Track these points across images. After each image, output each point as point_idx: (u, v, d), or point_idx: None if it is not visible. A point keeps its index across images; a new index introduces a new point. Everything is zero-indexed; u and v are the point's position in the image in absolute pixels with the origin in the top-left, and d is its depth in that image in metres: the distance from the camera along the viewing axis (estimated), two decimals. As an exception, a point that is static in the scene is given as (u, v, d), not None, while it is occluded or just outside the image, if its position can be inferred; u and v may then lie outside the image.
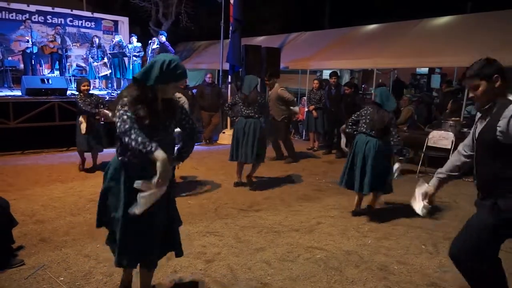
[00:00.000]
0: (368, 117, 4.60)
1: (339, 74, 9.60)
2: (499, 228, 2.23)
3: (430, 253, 3.74)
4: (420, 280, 3.24)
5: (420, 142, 6.91)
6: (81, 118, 6.10)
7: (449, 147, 6.42)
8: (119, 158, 2.46)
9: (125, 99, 2.31)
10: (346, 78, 13.61)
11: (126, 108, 2.27)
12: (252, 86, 5.59)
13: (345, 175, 4.70)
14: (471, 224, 2.41)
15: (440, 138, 6.62)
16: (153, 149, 2.14)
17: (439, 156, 6.61)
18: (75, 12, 12.56)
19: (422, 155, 6.85)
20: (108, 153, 7.78)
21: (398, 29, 10.33)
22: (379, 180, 4.53)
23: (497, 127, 2.18)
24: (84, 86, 6.15)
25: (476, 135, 2.36)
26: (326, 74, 13.16)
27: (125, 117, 2.24)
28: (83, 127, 6.08)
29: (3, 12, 11.28)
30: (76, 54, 12.28)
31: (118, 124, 2.24)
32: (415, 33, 9.68)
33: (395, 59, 9.32)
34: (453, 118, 7.12)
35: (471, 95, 2.41)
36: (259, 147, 5.60)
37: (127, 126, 2.21)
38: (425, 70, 14.53)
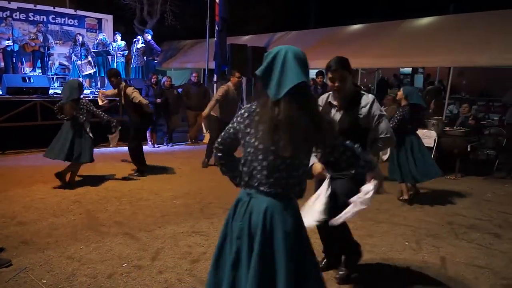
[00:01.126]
0: (409, 118, 5.07)
1: (324, 73, 9.66)
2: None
3: (413, 250, 3.80)
4: (403, 276, 3.29)
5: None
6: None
7: (432, 145, 6.53)
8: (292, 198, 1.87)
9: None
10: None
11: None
12: None
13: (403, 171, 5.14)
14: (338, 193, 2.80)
15: (423, 136, 6.70)
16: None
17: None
18: (58, 9, 12.33)
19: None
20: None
21: (382, 29, 10.45)
22: None
23: (359, 115, 2.72)
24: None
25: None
26: (311, 74, 13.23)
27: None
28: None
29: (-17, 10, 11.03)
30: (59, 52, 12.06)
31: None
32: (398, 33, 9.81)
33: (379, 59, 9.43)
34: (435, 117, 7.24)
35: (337, 84, 2.71)
36: None
37: None
38: (408, 70, 14.73)
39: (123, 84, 6.03)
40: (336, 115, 2.83)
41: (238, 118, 1.90)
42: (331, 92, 2.91)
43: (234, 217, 1.86)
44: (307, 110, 1.72)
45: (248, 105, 1.90)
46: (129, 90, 5.92)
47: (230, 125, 1.95)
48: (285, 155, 1.70)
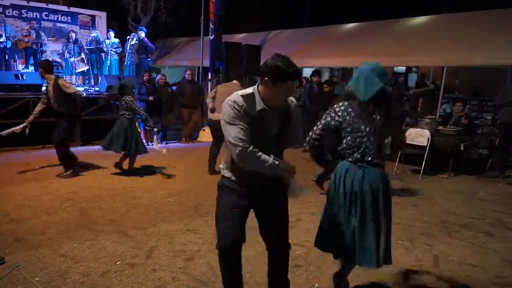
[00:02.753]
0: None
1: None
2: None
3: (406, 248, 3.82)
4: (396, 275, 3.30)
5: (397, 139, 7.04)
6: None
7: (425, 144, 6.56)
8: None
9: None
10: (325, 76, 13.74)
11: None
12: None
13: None
14: None
15: (417, 135, 6.75)
16: None
17: (415, 153, 6.77)
18: (51, 6, 12.20)
19: (399, 152, 6.98)
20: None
21: (376, 28, 10.48)
22: None
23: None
24: None
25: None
26: (305, 72, 13.24)
27: None
28: None
29: (-24, 6, 10.91)
30: (52, 49, 11.95)
31: None
32: (393, 32, 9.84)
33: (374, 58, 9.44)
34: (429, 116, 7.28)
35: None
36: None
37: None
38: (402, 69, 14.81)
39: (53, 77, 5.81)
40: (274, 120, 2.36)
41: (340, 113, 2.53)
42: (244, 99, 2.25)
43: (345, 183, 2.57)
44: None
45: (340, 104, 2.57)
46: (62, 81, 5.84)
47: (329, 118, 2.57)
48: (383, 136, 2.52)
